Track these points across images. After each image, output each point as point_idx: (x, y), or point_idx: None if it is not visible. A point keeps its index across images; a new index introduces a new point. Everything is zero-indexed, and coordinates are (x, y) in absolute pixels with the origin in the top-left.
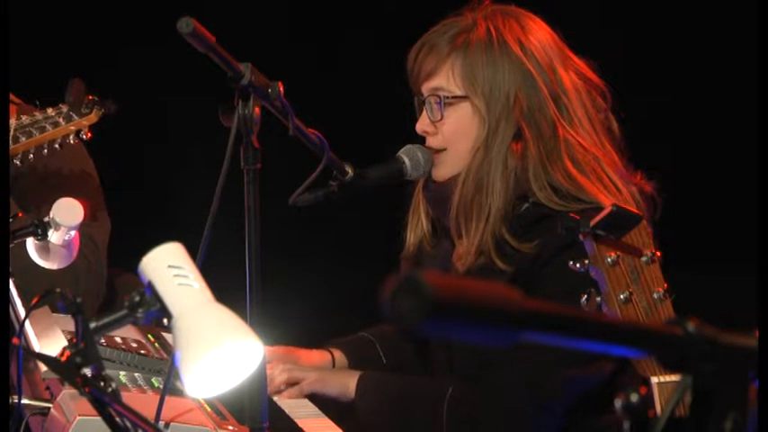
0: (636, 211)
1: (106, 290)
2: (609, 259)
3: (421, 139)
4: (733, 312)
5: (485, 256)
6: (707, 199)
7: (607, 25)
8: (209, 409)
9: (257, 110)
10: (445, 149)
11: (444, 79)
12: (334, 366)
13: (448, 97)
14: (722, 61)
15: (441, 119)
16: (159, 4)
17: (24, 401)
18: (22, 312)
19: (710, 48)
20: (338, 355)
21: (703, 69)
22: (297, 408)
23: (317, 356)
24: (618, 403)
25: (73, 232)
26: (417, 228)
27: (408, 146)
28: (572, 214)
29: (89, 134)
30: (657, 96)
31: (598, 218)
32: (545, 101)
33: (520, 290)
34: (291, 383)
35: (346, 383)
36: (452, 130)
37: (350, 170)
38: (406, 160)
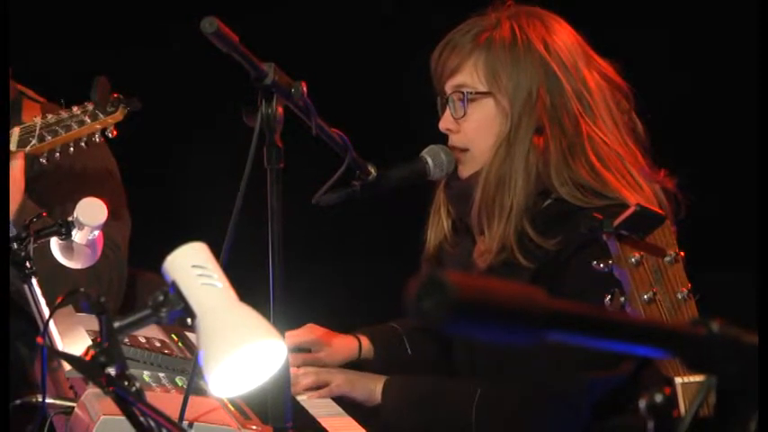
0: (659, 211)
1: (127, 289)
2: (632, 259)
3: (444, 140)
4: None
5: (506, 253)
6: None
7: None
8: (232, 409)
9: (280, 109)
10: (468, 149)
11: (468, 76)
12: (360, 353)
13: (471, 93)
14: (722, 61)
15: (463, 116)
16: (182, 3)
17: (48, 401)
18: (46, 312)
19: (710, 47)
20: (365, 341)
21: (703, 69)
22: (320, 407)
23: (344, 342)
24: (642, 403)
25: (97, 232)
26: (438, 228)
27: (431, 146)
28: (595, 214)
29: (114, 132)
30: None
31: (621, 218)
32: (568, 98)
33: (543, 287)
34: (317, 387)
35: (372, 388)
36: (475, 127)
37: (373, 170)
38: (429, 160)
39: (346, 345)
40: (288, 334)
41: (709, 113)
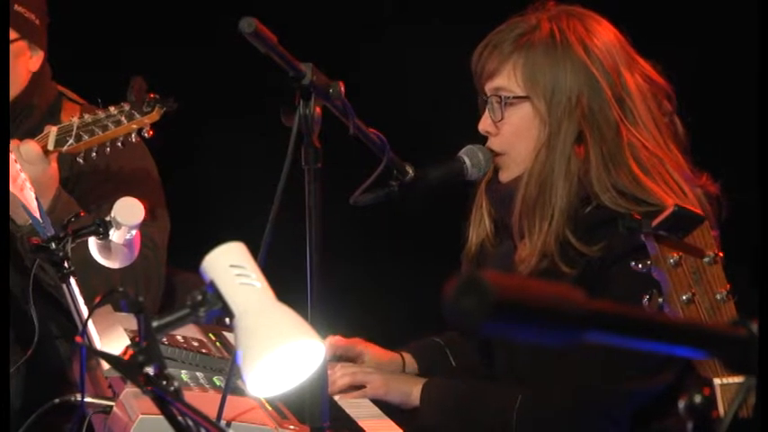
0: (698, 211)
1: (165, 289)
2: (671, 260)
3: (482, 140)
4: None
5: (548, 260)
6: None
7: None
8: (270, 408)
9: (318, 110)
10: (506, 153)
11: (506, 79)
12: (404, 369)
13: (509, 97)
14: (722, 61)
15: (502, 119)
16: (218, 4)
17: (87, 399)
18: (84, 311)
19: (711, 48)
20: (408, 357)
21: (703, 68)
22: (358, 408)
23: (387, 355)
24: (681, 404)
25: (134, 231)
26: (480, 227)
27: (469, 146)
28: (635, 215)
29: (151, 132)
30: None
31: (660, 218)
32: (608, 103)
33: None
34: (354, 387)
35: (409, 391)
36: (513, 131)
37: (410, 170)
38: (467, 160)
39: (390, 360)
40: (334, 341)
41: (710, 113)
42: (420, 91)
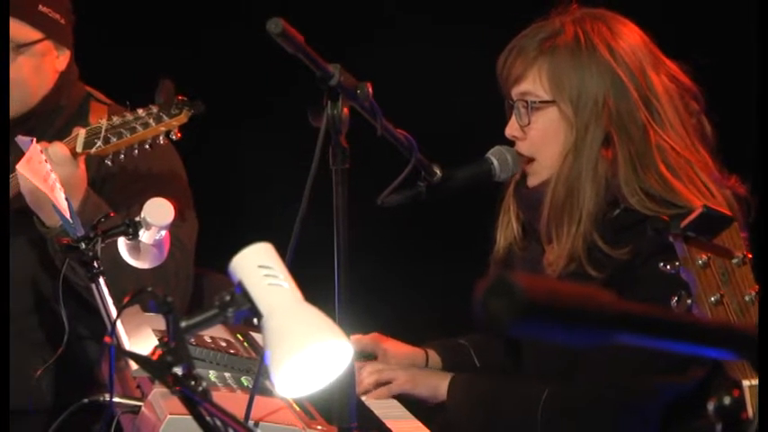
0: (727, 212)
1: (194, 289)
2: (700, 261)
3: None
4: None
5: (576, 263)
6: None
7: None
8: (297, 409)
9: (346, 110)
10: (534, 159)
11: (531, 84)
12: (427, 364)
13: (535, 102)
14: (722, 61)
15: (528, 123)
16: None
17: (115, 400)
18: (113, 311)
19: (710, 48)
20: (432, 353)
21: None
22: (386, 408)
23: (411, 351)
24: (710, 406)
25: (164, 232)
26: (508, 230)
27: (497, 147)
28: (663, 216)
29: (179, 134)
30: None
31: (688, 219)
32: (635, 105)
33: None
34: (380, 385)
35: (437, 385)
36: (540, 135)
37: (438, 171)
38: (495, 161)
39: (413, 354)
40: (354, 338)
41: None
42: (448, 92)
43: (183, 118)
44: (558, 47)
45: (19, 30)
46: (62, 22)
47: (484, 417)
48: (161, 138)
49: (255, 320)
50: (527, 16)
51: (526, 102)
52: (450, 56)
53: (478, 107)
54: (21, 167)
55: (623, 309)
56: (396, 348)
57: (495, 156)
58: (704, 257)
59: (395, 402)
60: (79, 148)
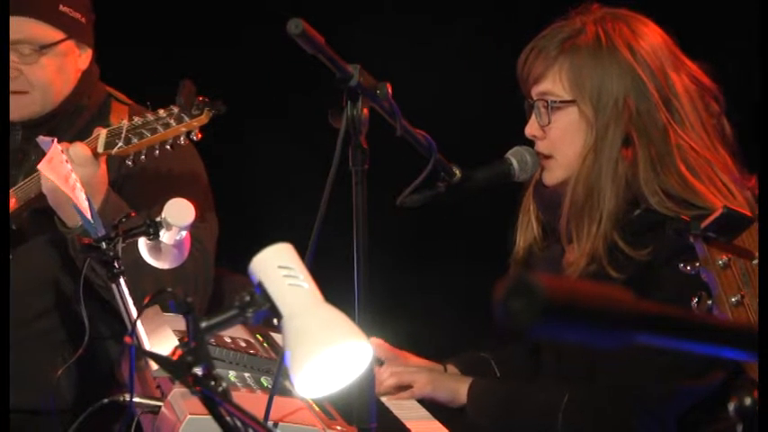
0: (747, 213)
1: (214, 290)
2: (720, 262)
3: (530, 142)
4: None
5: (596, 264)
6: None
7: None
8: (317, 409)
9: (365, 111)
10: (553, 156)
11: (552, 83)
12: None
13: (555, 102)
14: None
15: (548, 123)
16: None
17: (136, 400)
18: (134, 311)
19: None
20: (451, 368)
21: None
22: (405, 409)
23: (428, 363)
24: (731, 407)
25: (184, 232)
26: (527, 230)
27: (516, 147)
28: (684, 217)
29: (199, 135)
30: None
31: (709, 220)
32: (655, 105)
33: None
34: (401, 387)
35: (457, 388)
36: (560, 135)
37: (457, 171)
38: (514, 162)
39: (431, 365)
40: (379, 343)
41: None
42: (466, 92)
43: (203, 119)
44: (579, 47)
45: (40, 30)
46: (83, 21)
47: (504, 421)
48: (182, 138)
49: (275, 321)
50: (549, 15)
51: (546, 101)
52: (471, 57)
53: (497, 106)
54: (42, 167)
55: (644, 309)
56: (416, 361)
57: (514, 156)
58: (724, 258)
59: (414, 403)
60: (100, 149)
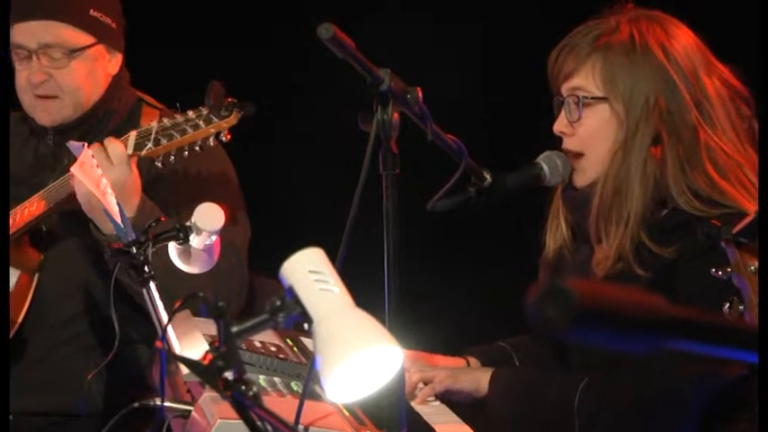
0: None
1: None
2: (752, 267)
3: (558, 145)
4: None
5: (623, 262)
6: None
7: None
8: (347, 414)
9: (396, 115)
10: (583, 154)
11: (584, 79)
12: None
13: (587, 97)
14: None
15: (578, 119)
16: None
17: (166, 404)
18: (164, 316)
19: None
20: (473, 362)
21: None
22: (435, 414)
23: (452, 362)
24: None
25: (214, 237)
26: (557, 233)
27: (547, 152)
28: (713, 221)
29: (228, 136)
30: None
31: (740, 225)
32: (686, 106)
33: (661, 296)
34: (424, 383)
35: (478, 379)
36: (589, 132)
37: (488, 176)
38: (544, 166)
39: (452, 364)
40: None
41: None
42: (496, 96)
43: (232, 120)
44: (613, 45)
45: (70, 35)
46: (113, 26)
47: (523, 407)
48: (211, 139)
49: (306, 325)
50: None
51: (577, 96)
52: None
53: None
54: (75, 171)
55: (676, 315)
56: (433, 360)
57: (544, 160)
58: (756, 263)
59: (444, 408)
60: (129, 150)
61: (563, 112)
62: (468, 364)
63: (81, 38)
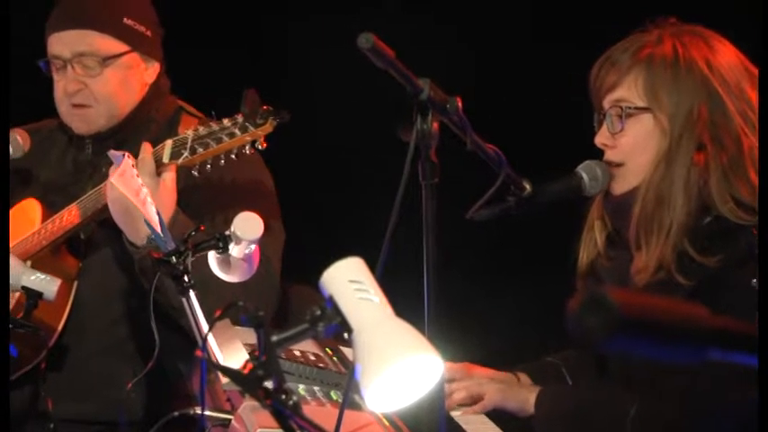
0: None
1: (280, 302)
2: None
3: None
4: None
5: (665, 271)
6: None
7: None
8: (386, 423)
9: (435, 125)
10: (624, 164)
11: (627, 90)
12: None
13: (630, 108)
14: None
15: (621, 130)
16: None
17: (206, 413)
18: (204, 325)
19: None
20: (524, 377)
21: None
22: (475, 424)
23: (500, 374)
24: None
25: (253, 246)
26: (591, 244)
27: (587, 161)
28: (754, 230)
29: (264, 144)
30: None
31: None
32: (730, 115)
33: (703, 306)
34: (471, 401)
35: (526, 398)
36: (631, 143)
37: (527, 185)
38: (585, 176)
39: (503, 376)
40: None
41: None
42: (537, 106)
43: (268, 127)
44: (656, 57)
45: (103, 43)
46: (148, 34)
47: (571, 429)
48: (247, 147)
49: (346, 335)
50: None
51: (621, 107)
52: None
53: (567, 121)
54: (115, 181)
55: (718, 325)
56: (485, 373)
57: (584, 170)
58: None
59: (484, 418)
60: (166, 159)
61: (604, 126)
62: (518, 379)
63: (114, 46)
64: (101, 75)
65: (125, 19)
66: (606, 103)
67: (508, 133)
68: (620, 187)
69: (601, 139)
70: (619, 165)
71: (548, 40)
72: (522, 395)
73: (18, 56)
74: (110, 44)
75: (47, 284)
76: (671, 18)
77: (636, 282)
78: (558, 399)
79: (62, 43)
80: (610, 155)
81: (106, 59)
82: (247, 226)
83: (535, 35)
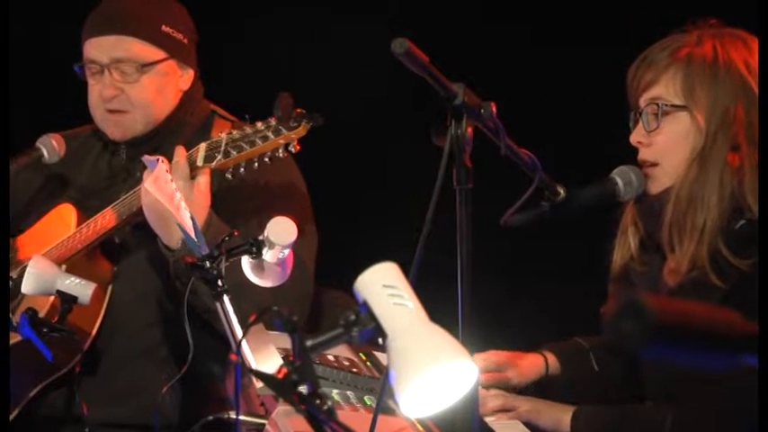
0: None
1: (313, 306)
2: None
3: (633, 158)
4: None
5: (698, 272)
6: None
7: None
8: (421, 428)
9: (470, 129)
10: (658, 164)
11: (664, 89)
12: (547, 370)
13: (666, 105)
14: None
15: (656, 128)
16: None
17: (240, 417)
18: (238, 329)
19: None
20: (551, 358)
21: None
22: (509, 428)
23: (531, 360)
24: None
25: (287, 251)
26: (624, 248)
27: (621, 167)
28: None
29: (298, 147)
30: None
31: None
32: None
33: (734, 307)
34: (504, 410)
35: (560, 418)
36: (667, 141)
37: (562, 191)
38: (619, 181)
39: (534, 363)
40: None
41: None
42: (571, 111)
43: (301, 131)
44: (694, 56)
45: (142, 49)
46: (185, 41)
47: None
48: (280, 151)
49: (380, 340)
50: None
51: (657, 105)
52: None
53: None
54: (149, 186)
55: (752, 331)
56: (514, 359)
57: (619, 175)
58: None
59: (518, 423)
60: (200, 162)
61: (640, 124)
62: (547, 361)
63: (152, 53)
64: (138, 81)
65: (163, 26)
66: (642, 102)
67: (542, 138)
68: (655, 188)
69: (636, 137)
70: (653, 164)
71: (583, 44)
72: (556, 415)
73: (57, 60)
74: (148, 51)
75: (81, 288)
76: (711, 20)
77: (668, 283)
78: (593, 419)
79: (100, 48)
80: (644, 153)
81: (144, 66)
82: (281, 230)
83: (571, 39)
